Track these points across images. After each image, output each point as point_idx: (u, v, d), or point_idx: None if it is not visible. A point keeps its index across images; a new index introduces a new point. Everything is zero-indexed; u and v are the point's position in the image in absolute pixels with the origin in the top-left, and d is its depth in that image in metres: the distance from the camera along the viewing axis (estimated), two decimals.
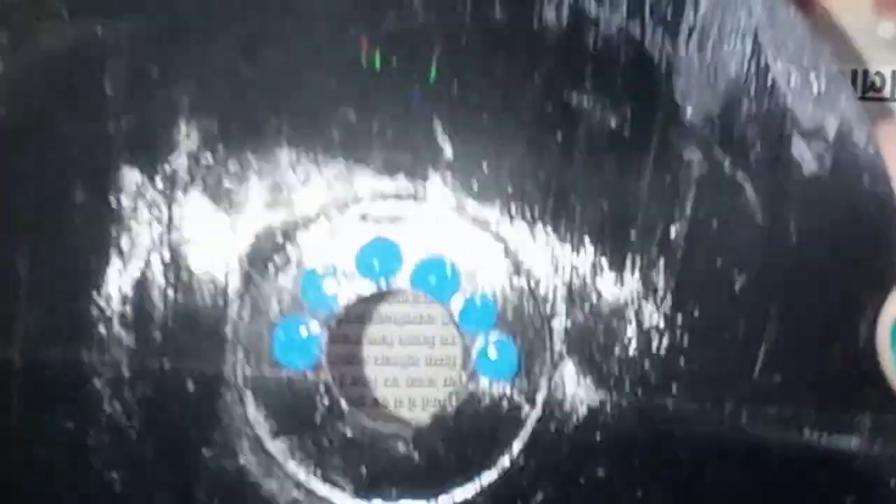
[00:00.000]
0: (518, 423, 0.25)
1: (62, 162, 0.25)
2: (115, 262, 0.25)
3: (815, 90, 0.25)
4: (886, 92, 0.31)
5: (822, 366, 0.25)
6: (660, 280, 0.25)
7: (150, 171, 0.25)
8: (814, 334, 0.25)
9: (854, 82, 0.31)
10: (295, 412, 0.25)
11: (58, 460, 0.25)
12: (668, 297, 0.25)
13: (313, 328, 0.25)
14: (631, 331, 0.25)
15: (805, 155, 0.25)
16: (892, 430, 0.25)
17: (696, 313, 0.25)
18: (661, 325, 0.25)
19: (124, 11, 0.25)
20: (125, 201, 0.25)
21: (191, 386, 0.25)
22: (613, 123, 0.25)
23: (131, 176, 0.25)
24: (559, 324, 0.25)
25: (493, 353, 0.25)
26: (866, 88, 0.31)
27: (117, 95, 0.25)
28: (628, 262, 0.25)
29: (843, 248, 0.25)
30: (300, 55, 0.25)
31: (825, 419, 0.25)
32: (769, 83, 0.25)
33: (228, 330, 0.25)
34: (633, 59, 0.25)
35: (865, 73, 0.31)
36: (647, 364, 0.25)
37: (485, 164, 0.25)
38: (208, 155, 0.25)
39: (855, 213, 0.25)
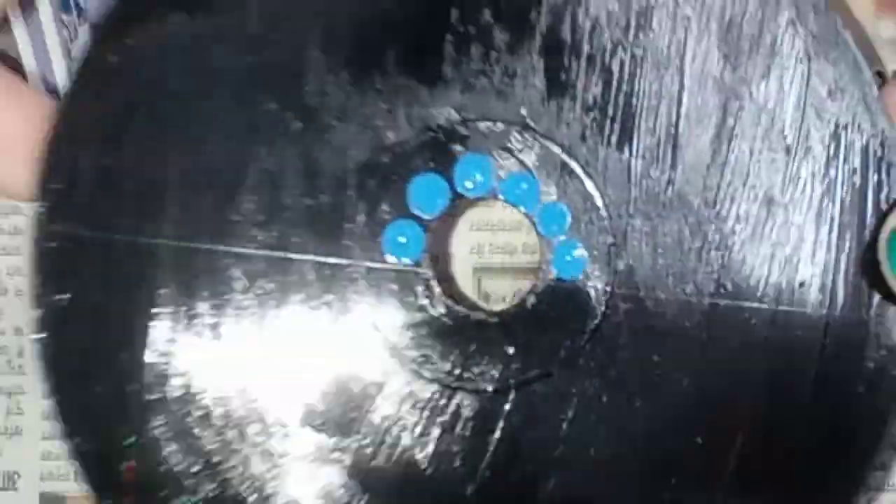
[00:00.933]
0: (588, 313, 0.30)
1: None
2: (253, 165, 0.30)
3: None
4: None
5: None
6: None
7: (286, 102, 0.30)
8: None
9: None
10: (399, 299, 0.30)
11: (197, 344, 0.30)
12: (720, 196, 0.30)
13: (416, 229, 0.30)
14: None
15: None
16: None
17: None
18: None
19: None
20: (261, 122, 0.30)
21: (312, 275, 0.30)
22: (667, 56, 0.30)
23: (267, 103, 0.30)
24: (622, 230, 0.30)
25: (566, 253, 0.30)
26: None
27: None
28: (681, 178, 0.30)
29: None
30: None
31: None
32: None
33: (347, 227, 0.30)
34: None
35: None
36: (711, 261, 0.30)
37: (567, 99, 0.30)
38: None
39: None
